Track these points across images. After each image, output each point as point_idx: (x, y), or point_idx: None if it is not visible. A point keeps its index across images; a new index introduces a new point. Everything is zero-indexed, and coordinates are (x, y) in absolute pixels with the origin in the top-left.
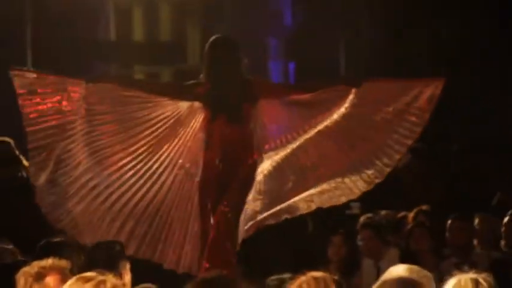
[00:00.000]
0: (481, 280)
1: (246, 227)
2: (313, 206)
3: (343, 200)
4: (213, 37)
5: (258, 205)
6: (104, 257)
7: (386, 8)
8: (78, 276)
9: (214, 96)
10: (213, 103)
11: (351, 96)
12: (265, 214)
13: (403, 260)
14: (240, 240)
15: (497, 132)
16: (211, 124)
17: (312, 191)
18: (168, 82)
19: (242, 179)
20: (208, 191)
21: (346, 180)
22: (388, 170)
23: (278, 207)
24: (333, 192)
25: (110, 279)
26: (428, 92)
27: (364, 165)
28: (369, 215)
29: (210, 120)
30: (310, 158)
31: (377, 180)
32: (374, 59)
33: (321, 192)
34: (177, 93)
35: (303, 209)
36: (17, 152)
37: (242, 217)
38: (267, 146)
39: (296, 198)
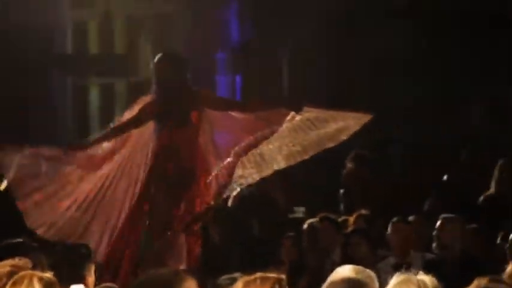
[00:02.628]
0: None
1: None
2: None
3: None
4: (159, 55)
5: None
6: (69, 259)
7: (330, 21)
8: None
9: (163, 105)
10: (162, 112)
11: (288, 117)
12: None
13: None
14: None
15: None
16: (161, 132)
17: None
18: (127, 119)
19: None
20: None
21: None
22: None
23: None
24: None
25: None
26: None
27: None
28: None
29: (159, 129)
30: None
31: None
32: (317, 74)
33: None
34: (136, 122)
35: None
36: None
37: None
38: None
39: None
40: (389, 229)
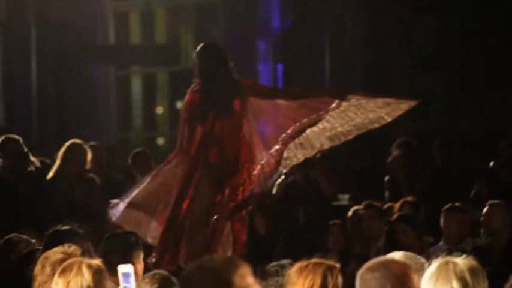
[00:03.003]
0: (460, 263)
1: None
2: None
3: None
4: (200, 44)
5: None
6: (118, 247)
7: (370, 12)
8: None
9: (206, 94)
10: (205, 101)
11: (334, 105)
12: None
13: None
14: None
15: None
16: (204, 121)
17: None
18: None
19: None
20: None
21: None
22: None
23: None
24: None
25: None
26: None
27: None
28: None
29: (203, 118)
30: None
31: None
32: (358, 63)
33: None
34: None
35: None
36: (26, 149)
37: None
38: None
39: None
40: (443, 216)
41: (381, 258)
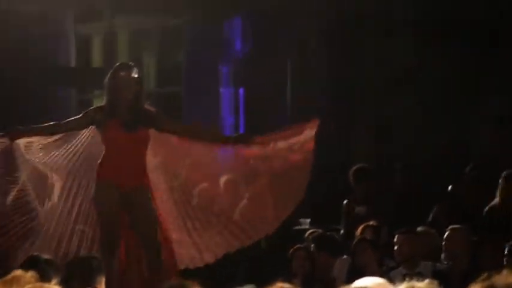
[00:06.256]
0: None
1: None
2: None
3: None
4: (116, 65)
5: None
6: (81, 272)
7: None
8: None
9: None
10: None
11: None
12: None
13: (351, 273)
14: None
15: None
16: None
17: None
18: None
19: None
20: None
21: None
22: None
23: None
24: None
25: None
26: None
27: None
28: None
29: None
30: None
31: None
32: (321, 85)
33: None
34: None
35: None
36: None
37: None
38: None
39: None
40: (396, 240)
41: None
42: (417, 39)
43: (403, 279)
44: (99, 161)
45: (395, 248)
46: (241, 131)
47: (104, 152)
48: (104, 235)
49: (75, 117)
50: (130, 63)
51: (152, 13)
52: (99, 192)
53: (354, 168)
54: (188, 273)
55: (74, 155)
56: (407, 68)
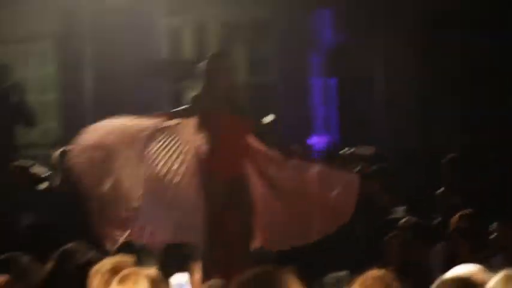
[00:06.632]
0: None
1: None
2: None
3: None
4: (210, 53)
5: None
6: (176, 259)
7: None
8: None
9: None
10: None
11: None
12: None
13: (446, 261)
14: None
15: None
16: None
17: None
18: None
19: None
20: None
21: None
22: None
23: None
24: None
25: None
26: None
27: None
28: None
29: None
30: None
31: None
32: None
33: None
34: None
35: None
36: None
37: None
38: None
39: None
40: (495, 228)
41: (458, 271)
42: None
43: (500, 268)
44: (200, 151)
45: (493, 236)
46: (333, 121)
47: (204, 141)
48: (208, 224)
49: (182, 107)
50: (224, 51)
51: (242, 4)
52: (203, 182)
53: (449, 157)
54: (282, 260)
55: (176, 146)
56: None
